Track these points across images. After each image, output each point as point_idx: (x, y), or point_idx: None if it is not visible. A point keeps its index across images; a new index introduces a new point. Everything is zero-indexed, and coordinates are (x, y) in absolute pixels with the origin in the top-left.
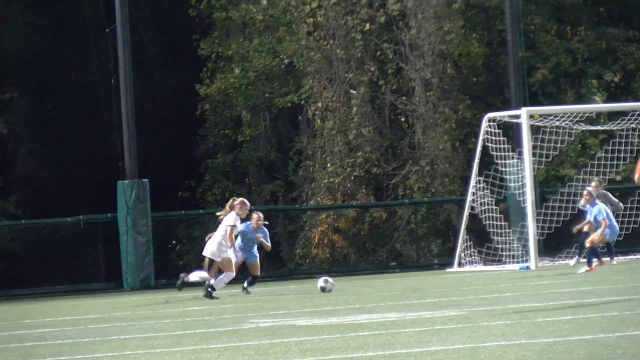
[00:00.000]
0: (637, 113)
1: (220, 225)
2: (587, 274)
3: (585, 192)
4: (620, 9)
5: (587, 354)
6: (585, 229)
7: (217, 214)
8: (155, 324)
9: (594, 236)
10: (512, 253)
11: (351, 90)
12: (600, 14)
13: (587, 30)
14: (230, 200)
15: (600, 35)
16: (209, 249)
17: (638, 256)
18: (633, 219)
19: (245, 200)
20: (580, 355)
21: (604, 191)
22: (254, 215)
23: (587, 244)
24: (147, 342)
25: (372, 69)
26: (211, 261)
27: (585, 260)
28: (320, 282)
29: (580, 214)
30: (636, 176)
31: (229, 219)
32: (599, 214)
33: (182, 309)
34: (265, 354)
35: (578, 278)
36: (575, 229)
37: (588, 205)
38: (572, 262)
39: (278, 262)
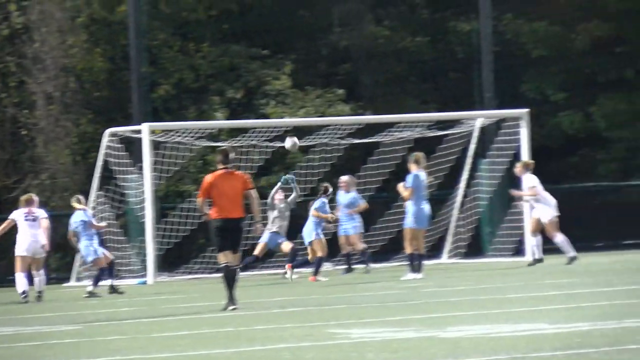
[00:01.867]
0: (257, 130)
1: None
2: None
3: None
4: (243, 26)
5: None
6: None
7: None
8: None
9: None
10: (130, 268)
11: None
12: (223, 31)
13: (211, 47)
14: None
15: (224, 52)
16: None
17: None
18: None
19: None
20: None
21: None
22: None
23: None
24: None
25: None
26: None
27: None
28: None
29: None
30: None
31: None
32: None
33: None
34: None
35: (194, 294)
36: None
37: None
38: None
39: None
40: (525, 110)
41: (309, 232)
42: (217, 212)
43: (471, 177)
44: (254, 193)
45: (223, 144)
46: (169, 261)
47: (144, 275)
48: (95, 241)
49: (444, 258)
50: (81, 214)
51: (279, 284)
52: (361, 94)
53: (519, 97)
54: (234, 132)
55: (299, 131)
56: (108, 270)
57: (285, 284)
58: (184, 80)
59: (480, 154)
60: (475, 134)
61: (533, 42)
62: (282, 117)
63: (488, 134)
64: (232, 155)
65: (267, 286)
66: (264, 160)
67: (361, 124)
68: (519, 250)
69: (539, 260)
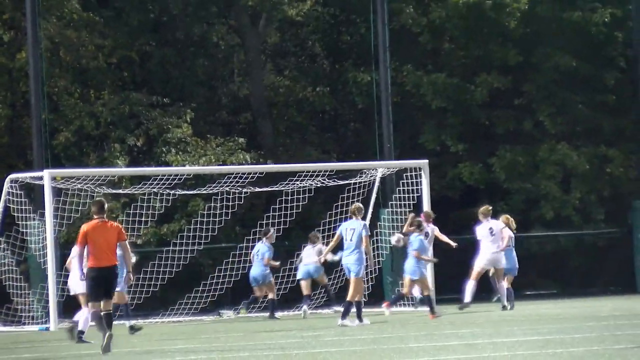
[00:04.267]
0: (158, 177)
1: None
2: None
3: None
4: (143, 74)
5: None
6: None
7: None
8: None
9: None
10: (32, 314)
11: None
12: (124, 79)
13: (111, 94)
14: None
15: (124, 99)
16: None
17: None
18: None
19: None
20: None
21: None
22: None
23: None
24: None
25: None
26: None
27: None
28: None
29: None
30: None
31: None
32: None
33: None
34: None
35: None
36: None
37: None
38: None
39: None
40: (424, 161)
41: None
42: (91, 261)
43: (372, 226)
44: (127, 244)
45: (124, 191)
46: (73, 307)
47: (47, 322)
48: None
49: None
50: None
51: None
52: (262, 142)
53: (418, 147)
54: (135, 180)
55: (200, 179)
56: None
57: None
58: (85, 127)
59: (381, 203)
60: (376, 184)
61: (432, 93)
62: (183, 165)
63: (389, 183)
64: (107, 206)
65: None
66: (165, 208)
67: (262, 172)
68: (421, 300)
69: (467, 306)
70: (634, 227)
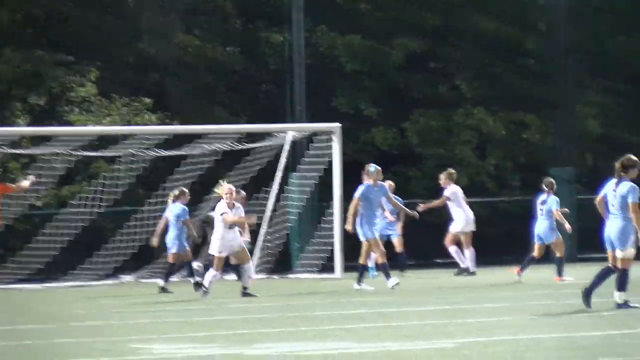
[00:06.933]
0: (60, 138)
1: None
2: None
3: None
4: (47, 32)
5: None
6: None
7: None
8: None
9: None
10: None
11: None
12: (27, 36)
13: (14, 51)
14: None
15: (27, 57)
16: None
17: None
18: None
19: None
20: None
21: None
22: None
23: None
24: None
25: None
26: None
27: None
28: None
29: None
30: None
31: None
32: None
33: None
34: None
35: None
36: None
37: None
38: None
39: None
40: (337, 125)
41: None
42: None
43: (281, 191)
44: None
45: (25, 151)
46: None
47: None
48: None
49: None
50: None
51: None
52: (169, 104)
53: (331, 111)
54: (37, 140)
55: (104, 140)
56: None
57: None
58: None
59: (291, 167)
60: (287, 148)
61: (347, 55)
62: (86, 125)
63: (299, 147)
64: None
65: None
66: (67, 169)
67: (169, 134)
68: (327, 267)
69: (466, 270)
70: None
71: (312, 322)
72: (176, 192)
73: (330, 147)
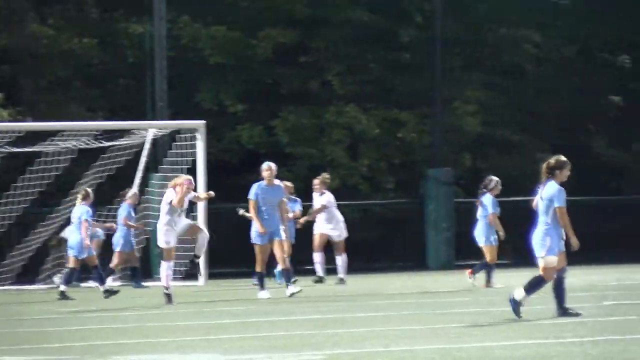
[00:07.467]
0: None
1: None
2: None
3: None
4: None
5: None
6: None
7: None
8: None
9: None
10: None
11: None
12: None
13: None
14: None
15: None
16: None
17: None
18: None
19: None
20: None
21: None
22: None
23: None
24: None
25: None
26: None
27: None
28: None
29: None
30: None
31: None
32: None
33: None
34: None
35: None
36: None
37: None
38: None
39: None
40: (201, 122)
41: None
42: None
43: (141, 192)
44: None
45: None
46: None
47: None
48: None
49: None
50: None
51: None
52: (21, 98)
53: (195, 107)
54: None
55: None
56: None
57: None
58: None
59: (152, 167)
60: (147, 146)
61: (211, 48)
62: None
63: (161, 146)
64: None
65: None
66: None
67: (21, 131)
68: (190, 274)
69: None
70: (426, 197)
71: (174, 332)
72: (83, 192)
73: (194, 146)
